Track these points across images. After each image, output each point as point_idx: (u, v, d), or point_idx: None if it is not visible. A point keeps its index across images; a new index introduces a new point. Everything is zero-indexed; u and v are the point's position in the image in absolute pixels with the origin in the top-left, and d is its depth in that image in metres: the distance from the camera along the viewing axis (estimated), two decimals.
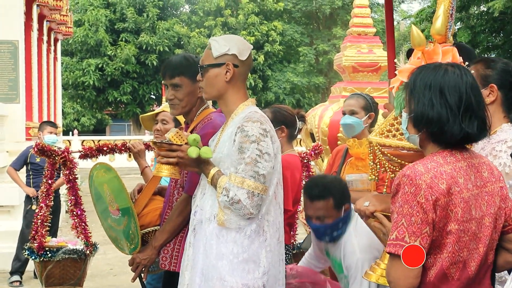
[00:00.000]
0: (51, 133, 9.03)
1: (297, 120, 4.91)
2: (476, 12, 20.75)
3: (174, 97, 3.92)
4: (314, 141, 11.00)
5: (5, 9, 12.10)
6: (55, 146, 5.50)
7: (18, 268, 8.80)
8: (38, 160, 8.94)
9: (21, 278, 8.86)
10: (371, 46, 13.02)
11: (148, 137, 31.35)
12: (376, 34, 14.10)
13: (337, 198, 3.97)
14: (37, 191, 8.82)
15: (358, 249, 3.84)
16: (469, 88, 2.47)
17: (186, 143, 3.41)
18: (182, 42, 37.37)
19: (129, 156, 5.56)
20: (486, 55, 20.55)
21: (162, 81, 4.05)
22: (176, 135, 3.47)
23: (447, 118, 2.43)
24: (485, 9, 19.62)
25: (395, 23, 47.90)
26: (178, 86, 3.90)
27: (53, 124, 9.50)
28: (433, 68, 2.52)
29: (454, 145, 2.50)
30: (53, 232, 7.52)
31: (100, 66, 35.75)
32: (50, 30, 19.78)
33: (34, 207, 8.93)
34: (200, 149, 3.34)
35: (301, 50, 37.95)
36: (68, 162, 5.28)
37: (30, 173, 9.15)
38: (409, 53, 3.42)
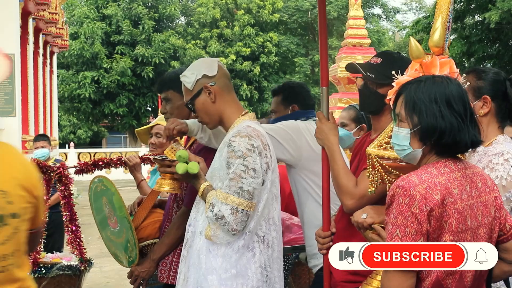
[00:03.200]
0: (43, 147, 8.96)
1: None
2: (471, 22, 20.84)
3: (166, 110, 4.01)
4: None
5: (0, 22, 12.12)
6: (51, 161, 5.48)
7: None
8: None
9: None
10: (366, 57, 13.07)
11: (144, 149, 31.32)
12: (371, 45, 14.16)
13: (285, 94, 4.27)
14: None
15: None
16: (467, 97, 2.51)
17: None
18: (178, 54, 37.39)
19: (125, 168, 5.64)
20: (482, 65, 20.58)
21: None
22: (171, 150, 3.50)
23: (458, 127, 2.44)
24: (480, 19, 19.70)
25: (390, 33, 48.18)
26: (168, 100, 3.98)
27: (44, 137, 9.38)
28: (432, 80, 2.53)
29: (452, 156, 2.51)
30: (58, 248, 7.47)
31: (96, 78, 35.71)
32: (46, 43, 19.81)
33: None
34: (188, 163, 3.36)
35: (296, 61, 38.07)
36: (64, 178, 5.27)
37: None
38: (348, 67, 3.47)
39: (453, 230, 2.40)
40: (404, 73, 2.70)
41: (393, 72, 2.70)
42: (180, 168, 3.34)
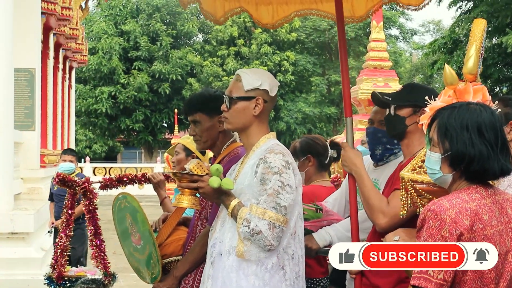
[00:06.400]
0: (70, 161, 9.14)
1: (329, 149, 4.92)
2: (488, 45, 20.85)
3: (195, 133, 4.00)
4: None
5: (22, 37, 12.23)
6: (75, 176, 5.53)
7: None
8: (55, 188, 9.09)
9: None
10: (387, 80, 13.14)
11: (159, 165, 31.42)
12: (391, 67, 14.25)
13: None
14: (58, 218, 8.98)
15: None
16: (500, 125, 2.53)
17: (207, 174, 3.43)
18: (195, 71, 37.62)
19: (141, 184, 5.71)
20: (497, 88, 20.60)
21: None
22: (197, 166, 3.50)
23: (487, 155, 2.47)
24: (497, 42, 19.72)
25: (407, 54, 48.22)
26: (197, 122, 3.97)
27: (70, 152, 9.63)
28: (466, 107, 2.56)
29: (483, 182, 2.53)
30: (77, 259, 7.54)
31: (113, 93, 35.98)
32: (65, 58, 19.97)
33: (48, 235, 9.44)
34: (221, 180, 3.36)
35: (313, 80, 38.15)
36: (88, 192, 5.32)
37: (54, 202, 9.44)
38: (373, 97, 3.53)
39: None
40: (437, 98, 2.74)
41: (426, 97, 2.75)
42: (216, 182, 3.31)
